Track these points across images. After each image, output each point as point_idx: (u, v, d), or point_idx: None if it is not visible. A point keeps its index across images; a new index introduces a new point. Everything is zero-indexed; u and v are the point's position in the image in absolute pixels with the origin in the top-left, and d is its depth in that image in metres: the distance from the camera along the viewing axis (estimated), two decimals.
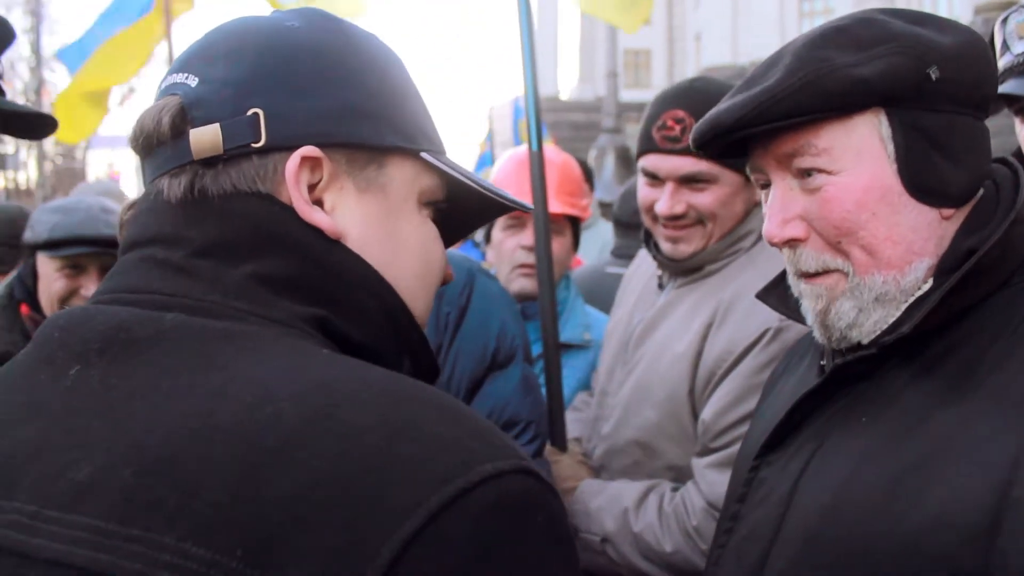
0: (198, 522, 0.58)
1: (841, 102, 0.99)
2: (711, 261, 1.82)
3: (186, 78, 0.77)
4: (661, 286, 1.95)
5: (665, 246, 1.85)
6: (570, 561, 0.64)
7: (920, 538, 0.88)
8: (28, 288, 2.33)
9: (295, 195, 0.75)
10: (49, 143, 28.08)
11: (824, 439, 1.05)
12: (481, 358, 1.70)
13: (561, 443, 1.96)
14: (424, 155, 0.82)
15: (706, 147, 1.10)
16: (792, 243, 1.06)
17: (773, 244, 1.07)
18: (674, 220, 1.80)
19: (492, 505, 0.59)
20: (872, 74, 0.98)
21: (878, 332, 1.04)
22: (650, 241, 1.93)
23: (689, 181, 1.77)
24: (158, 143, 0.76)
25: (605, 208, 8.48)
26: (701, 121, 1.09)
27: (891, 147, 1.00)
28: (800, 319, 1.11)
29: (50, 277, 2.28)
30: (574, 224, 2.37)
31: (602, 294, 2.67)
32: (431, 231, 0.86)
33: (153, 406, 0.64)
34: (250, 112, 0.74)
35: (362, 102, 0.78)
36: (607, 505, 1.76)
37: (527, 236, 2.20)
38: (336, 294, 0.75)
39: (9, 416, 0.70)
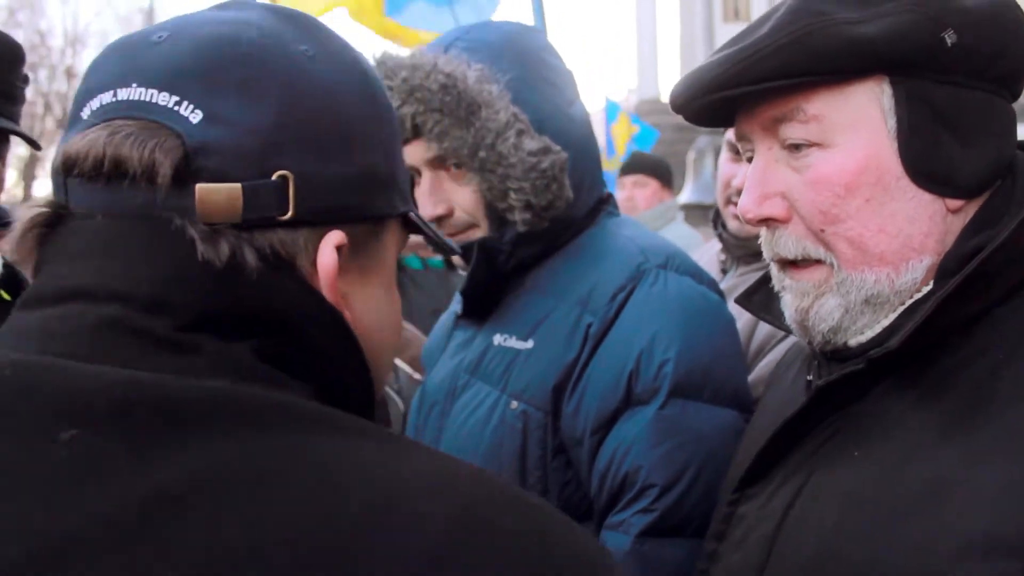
0: None
1: (836, 64, 0.85)
2: None
3: (180, 106, 0.59)
4: (724, 271, 1.92)
5: (732, 223, 1.82)
6: None
7: None
8: None
9: (329, 289, 0.64)
10: None
11: (811, 473, 0.89)
12: (614, 386, 1.21)
13: None
14: (412, 215, 0.73)
15: (688, 111, 0.95)
16: (770, 223, 0.92)
17: (748, 222, 0.93)
18: None
19: None
20: (876, 34, 0.83)
21: (866, 339, 0.88)
22: (718, 222, 1.92)
23: None
24: (134, 181, 0.58)
25: (692, 210, 7.74)
26: (678, 81, 0.95)
27: (892, 121, 0.85)
28: (785, 326, 0.95)
29: None
30: None
31: None
32: (397, 295, 0.77)
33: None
34: (276, 175, 0.60)
35: (379, 164, 0.67)
36: None
37: None
38: (327, 375, 0.65)
39: None
